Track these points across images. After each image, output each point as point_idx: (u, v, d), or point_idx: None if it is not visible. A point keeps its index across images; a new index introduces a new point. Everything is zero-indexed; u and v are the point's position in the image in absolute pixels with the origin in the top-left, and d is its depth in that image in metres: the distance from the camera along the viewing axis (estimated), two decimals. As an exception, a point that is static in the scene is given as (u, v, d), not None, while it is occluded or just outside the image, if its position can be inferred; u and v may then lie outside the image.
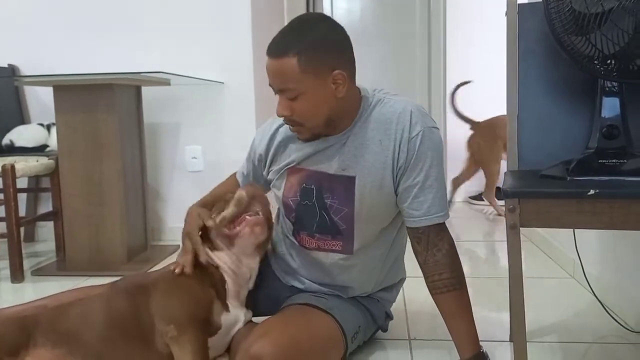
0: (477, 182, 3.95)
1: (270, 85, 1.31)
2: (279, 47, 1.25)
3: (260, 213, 1.35)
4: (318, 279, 1.48)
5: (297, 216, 1.44)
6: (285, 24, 1.34)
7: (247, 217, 1.33)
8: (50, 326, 1.23)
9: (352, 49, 1.32)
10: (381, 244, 1.46)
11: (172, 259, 2.48)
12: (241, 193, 1.33)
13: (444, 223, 1.36)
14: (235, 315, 1.35)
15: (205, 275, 1.34)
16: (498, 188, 3.77)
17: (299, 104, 1.28)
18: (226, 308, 1.33)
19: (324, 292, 1.47)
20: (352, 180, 1.35)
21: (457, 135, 4.03)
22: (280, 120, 1.41)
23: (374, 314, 1.52)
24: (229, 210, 1.32)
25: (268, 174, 1.49)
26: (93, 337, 1.24)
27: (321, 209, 1.39)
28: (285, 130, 1.43)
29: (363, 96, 1.37)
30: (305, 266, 1.49)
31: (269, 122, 1.50)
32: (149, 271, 1.77)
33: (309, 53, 1.23)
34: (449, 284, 1.33)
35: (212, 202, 1.43)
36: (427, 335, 1.64)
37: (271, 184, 1.50)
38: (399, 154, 1.32)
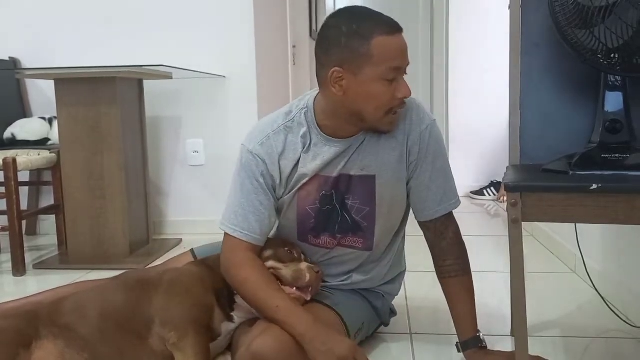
0: (478, 177, 3.96)
1: (397, 68, 1.23)
2: (397, 24, 1.24)
3: (308, 295, 1.32)
4: (330, 270, 1.47)
5: (318, 221, 1.41)
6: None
7: (295, 297, 1.30)
8: (50, 320, 1.24)
9: None
10: (394, 236, 1.49)
11: (174, 252, 2.49)
12: (305, 274, 1.30)
13: (451, 212, 1.41)
14: (237, 323, 1.35)
15: (209, 278, 1.33)
16: (499, 182, 3.77)
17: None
18: (229, 318, 1.33)
19: (328, 284, 1.47)
20: (372, 179, 1.36)
21: (459, 130, 4.04)
22: (283, 134, 1.34)
23: (378, 309, 1.52)
24: (286, 275, 1.31)
25: (285, 194, 1.38)
26: (89, 329, 1.24)
27: (342, 210, 1.39)
28: (299, 143, 1.34)
29: None
30: (320, 262, 1.47)
31: (270, 137, 1.35)
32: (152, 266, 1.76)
33: None
34: (451, 270, 1.40)
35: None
36: (428, 329, 1.64)
37: (281, 199, 1.39)
38: (411, 147, 1.35)
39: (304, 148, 1.34)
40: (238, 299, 1.34)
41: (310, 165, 1.34)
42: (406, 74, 1.28)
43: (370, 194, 1.37)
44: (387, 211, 1.40)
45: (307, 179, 1.35)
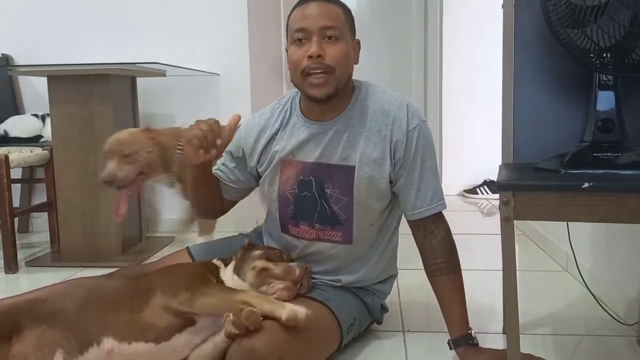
0: (472, 176, 3.97)
1: (300, 29, 1.31)
2: None
3: (301, 289, 1.38)
4: (315, 268, 1.49)
5: (297, 208, 1.45)
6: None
7: (286, 286, 1.35)
8: (34, 309, 1.24)
9: None
10: (381, 235, 1.50)
11: (167, 250, 2.49)
12: (295, 269, 1.37)
13: (440, 211, 1.42)
14: None
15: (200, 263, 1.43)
16: (493, 181, 3.79)
17: (334, 49, 1.31)
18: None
19: (319, 280, 1.48)
20: (351, 170, 1.38)
21: (452, 129, 4.04)
22: (269, 112, 1.47)
23: (369, 306, 1.53)
24: (277, 271, 1.36)
25: (258, 167, 1.49)
26: (73, 308, 1.25)
27: (321, 199, 1.42)
28: (278, 120, 1.45)
29: (355, 86, 1.43)
30: (302, 257, 1.50)
31: (257, 115, 1.51)
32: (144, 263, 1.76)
33: (348, 11, 1.37)
34: (442, 268, 1.41)
35: None
36: (421, 327, 1.65)
37: (262, 178, 1.49)
38: (396, 145, 1.37)
39: (281, 126, 1.44)
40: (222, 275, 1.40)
41: (284, 143, 1.43)
42: (330, 38, 1.31)
43: (348, 184, 1.39)
44: (366, 204, 1.41)
45: (279, 156, 1.43)
